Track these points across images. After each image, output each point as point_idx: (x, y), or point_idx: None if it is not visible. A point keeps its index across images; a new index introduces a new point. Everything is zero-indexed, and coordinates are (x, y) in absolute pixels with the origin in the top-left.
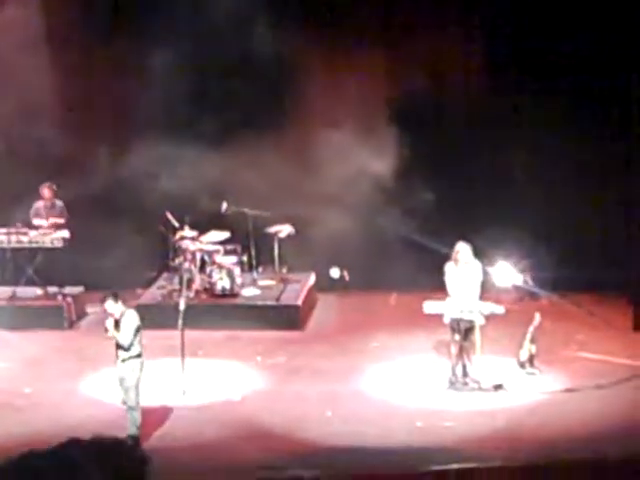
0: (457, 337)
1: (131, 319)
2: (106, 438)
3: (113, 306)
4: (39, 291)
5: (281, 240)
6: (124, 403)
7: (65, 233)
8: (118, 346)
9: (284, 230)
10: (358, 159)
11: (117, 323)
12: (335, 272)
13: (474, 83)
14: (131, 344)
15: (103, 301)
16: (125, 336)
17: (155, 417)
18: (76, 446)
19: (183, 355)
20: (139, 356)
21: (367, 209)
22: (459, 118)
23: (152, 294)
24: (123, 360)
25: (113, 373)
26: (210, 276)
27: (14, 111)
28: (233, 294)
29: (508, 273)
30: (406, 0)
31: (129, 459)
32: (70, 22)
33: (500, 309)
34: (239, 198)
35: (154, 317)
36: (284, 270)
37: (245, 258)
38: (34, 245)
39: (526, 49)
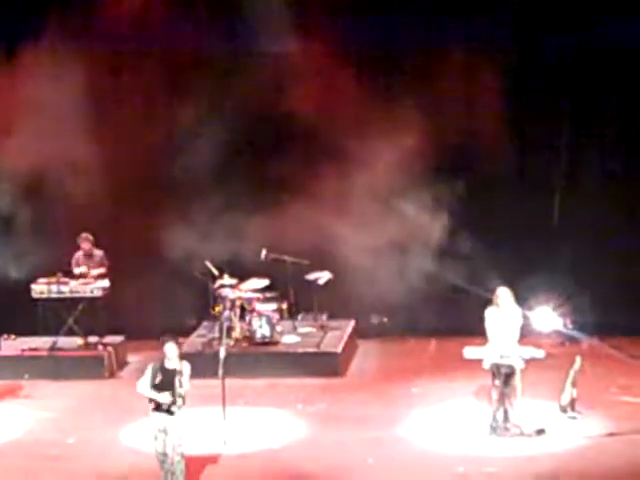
0: (497, 382)
1: (189, 368)
2: None
3: (174, 349)
4: (80, 341)
5: (320, 287)
6: (164, 455)
7: (105, 283)
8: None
9: (323, 277)
10: (397, 206)
11: (165, 370)
12: (374, 318)
13: (506, 134)
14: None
15: (164, 343)
16: (188, 385)
17: (196, 466)
18: None
19: (224, 404)
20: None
21: (405, 255)
22: (494, 166)
23: (192, 343)
24: (179, 408)
25: (153, 424)
26: (250, 324)
27: (60, 166)
28: (273, 342)
29: (548, 318)
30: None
31: None
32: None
33: (540, 353)
34: (278, 246)
35: (194, 366)
36: (324, 317)
37: (285, 305)
38: (74, 295)
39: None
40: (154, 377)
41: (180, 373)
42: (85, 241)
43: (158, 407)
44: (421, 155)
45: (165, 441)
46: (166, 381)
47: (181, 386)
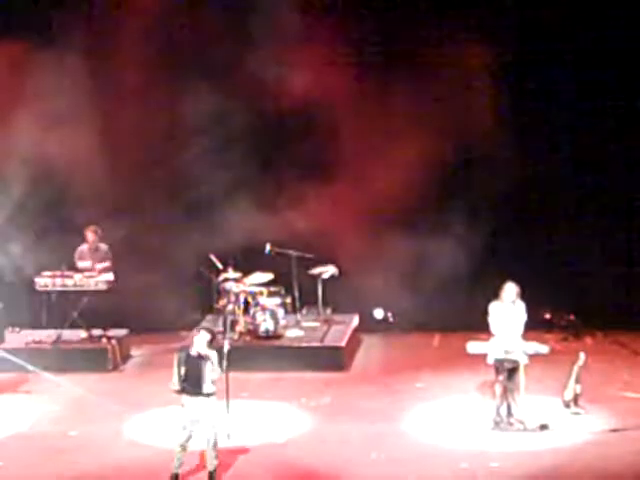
0: (501, 377)
1: (216, 356)
2: None
3: (205, 338)
4: (84, 334)
5: (325, 281)
6: (182, 446)
7: (109, 276)
8: (195, 384)
9: (328, 271)
10: (402, 203)
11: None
12: (379, 313)
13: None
14: None
15: (198, 332)
16: (219, 370)
17: (199, 460)
18: None
19: (227, 397)
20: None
21: (409, 249)
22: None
23: None
24: (208, 395)
25: (161, 415)
26: (254, 318)
27: (64, 160)
28: (277, 336)
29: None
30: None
31: None
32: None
33: (544, 349)
34: (283, 240)
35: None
36: (328, 311)
37: (289, 300)
38: (79, 288)
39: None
40: (179, 368)
41: (208, 358)
42: (92, 233)
43: (183, 391)
44: (428, 153)
45: (191, 433)
46: (191, 368)
47: (212, 370)
